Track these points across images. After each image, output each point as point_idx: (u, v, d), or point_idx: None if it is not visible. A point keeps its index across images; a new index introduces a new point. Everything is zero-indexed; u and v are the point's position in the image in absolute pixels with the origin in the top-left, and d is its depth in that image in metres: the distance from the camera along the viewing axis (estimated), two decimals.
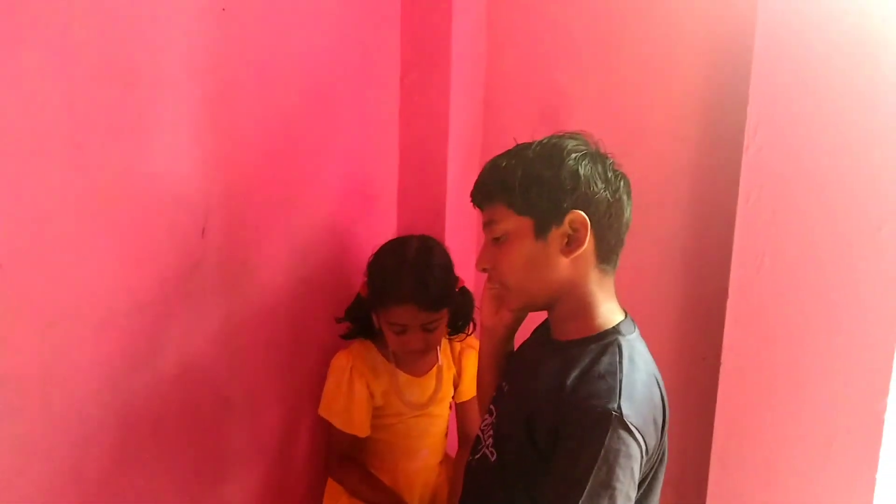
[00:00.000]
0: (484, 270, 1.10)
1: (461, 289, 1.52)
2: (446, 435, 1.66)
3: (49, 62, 0.99)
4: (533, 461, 0.98)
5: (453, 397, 1.64)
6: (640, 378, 0.98)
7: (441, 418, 1.61)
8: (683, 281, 1.59)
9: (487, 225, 1.07)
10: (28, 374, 1.03)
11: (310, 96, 1.47)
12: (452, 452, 1.70)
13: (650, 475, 1.02)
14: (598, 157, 1.04)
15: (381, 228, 1.77)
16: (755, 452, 1.39)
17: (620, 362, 0.97)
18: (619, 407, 0.92)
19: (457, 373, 1.62)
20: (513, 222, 1.03)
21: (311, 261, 1.54)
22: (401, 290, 1.40)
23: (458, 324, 1.56)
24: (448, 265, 1.48)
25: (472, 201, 1.10)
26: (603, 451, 0.89)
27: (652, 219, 1.60)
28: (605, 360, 0.98)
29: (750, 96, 1.33)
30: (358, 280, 1.55)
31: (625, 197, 1.04)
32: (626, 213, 1.05)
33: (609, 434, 0.90)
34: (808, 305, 1.33)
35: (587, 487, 0.88)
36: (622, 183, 1.05)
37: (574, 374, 0.98)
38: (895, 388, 1.25)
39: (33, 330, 1.03)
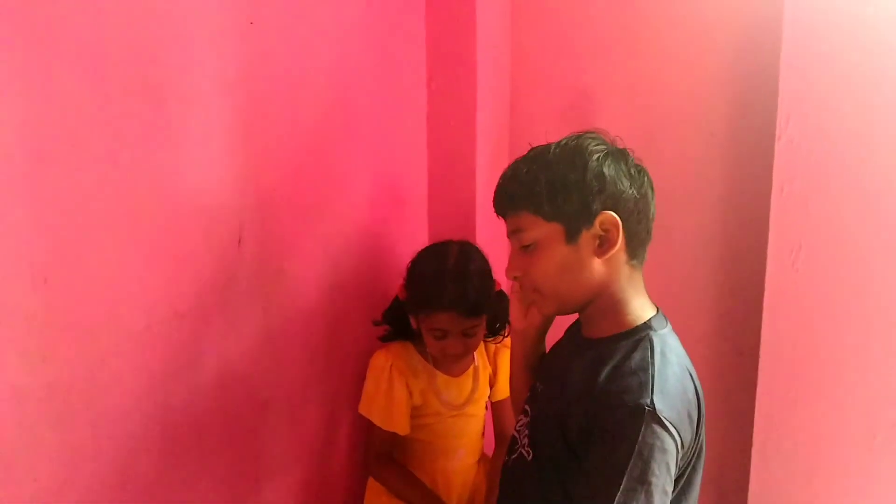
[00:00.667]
0: (515, 279, 1.10)
1: (498, 292, 1.53)
2: (483, 434, 1.67)
3: (82, 80, 1.02)
4: (567, 459, 0.98)
5: (489, 397, 1.64)
6: (672, 372, 0.97)
7: (477, 418, 1.62)
8: (718, 275, 1.57)
9: (514, 233, 1.06)
10: (74, 384, 1.06)
11: (338, 105, 1.49)
12: (489, 451, 1.70)
13: (688, 470, 1.01)
14: (619, 155, 1.03)
15: (412, 232, 1.78)
16: (796, 448, 1.38)
17: (652, 357, 0.97)
18: (652, 402, 0.91)
19: (492, 372, 1.63)
20: (542, 229, 1.02)
21: (344, 266, 1.56)
22: (442, 298, 1.41)
23: (496, 326, 1.56)
24: (486, 270, 1.49)
25: (495, 210, 1.10)
26: (637, 447, 0.89)
27: (684, 213, 1.59)
28: (637, 355, 0.98)
29: (780, 86, 1.32)
30: (391, 283, 1.57)
31: (649, 191, 1.05)
32: (652, 207, 1.05)
33: (643, 429, 0.89)
34: (847, 297, 1.31)
35: (623, 483, 0.88)
36: (645, 178, 1.05)
37: (605, 370, 0.98)
38: None
39: (78, 340, 1.06)
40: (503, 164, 1.76)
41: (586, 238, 1.01)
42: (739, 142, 1.51)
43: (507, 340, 1.59)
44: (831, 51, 1.27)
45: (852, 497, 1.32)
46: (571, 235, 1.01)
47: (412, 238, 1.78)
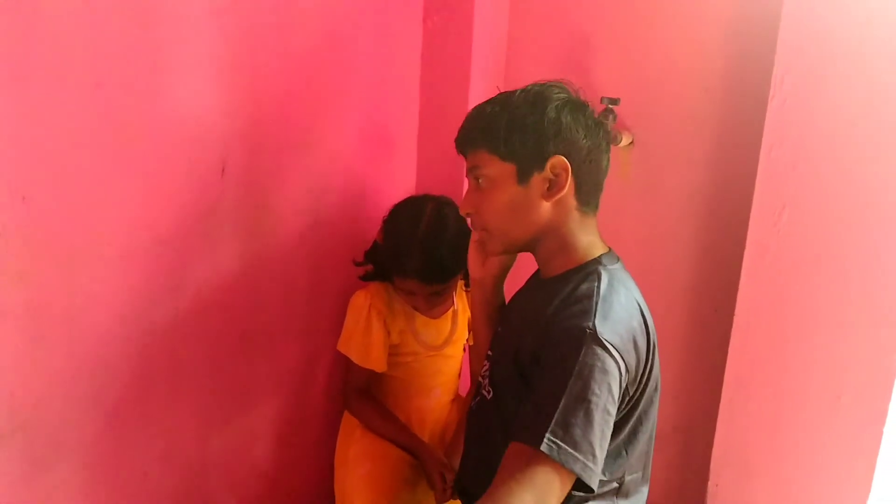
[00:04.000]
0: (467, 215, 1.13)
1: None
2: (459, 375, 1.70)
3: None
4: (525, 390, 1.00)
5: (467, 339, 1.66)
6: (617, 300, 1.00)
7: (455, 359, 1.64)
8: (701, 230, 1.58)
9: (471, 171, 1.10)
10: (52, 305, 1.07)
11: (331, 37, 1.47)
12: (464, 392, 1.74)
13: (641, 401, 1.03)
14: (579, 105, 1.07)
15: (400, 173, 1.77)
16: (763, 403, 1.40)
17: (598, 286, 1.00)
18: (594, 325, 0.94)
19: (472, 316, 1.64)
20: (496, 168, 1.06)
21: (328, 203, 1.56)
22: (407, 266, 1.43)
23: None
24: (461, 233, 1.46)
25: (456, 149, 1.13)
26: (577, 366, 0.91)
27: (672, 167, 1.59)
28: (584, 286, 1.02)
29: (778, 44, 1.30)
30: (375, 224, 1.56)
31: (603, 144, 1.08)
32: (605, 161, 1.08)
33: (584, 350, 0.92)
34: (825, 260, 1.32)
35: (563, 400, 0.90)
36: (601, 131, 1.08)
37: (555, 302, 1.02)
38: None
39: (57, 262, 1.06)
40: None
41: (537, 180, 1.04)
42: (733, 99, 1.49)
43: None
44: (834, 11, 1.25)
45: (813, 454, 1.36)
46: (523, 176, 1.04)
47: (400, 179, 1.77)
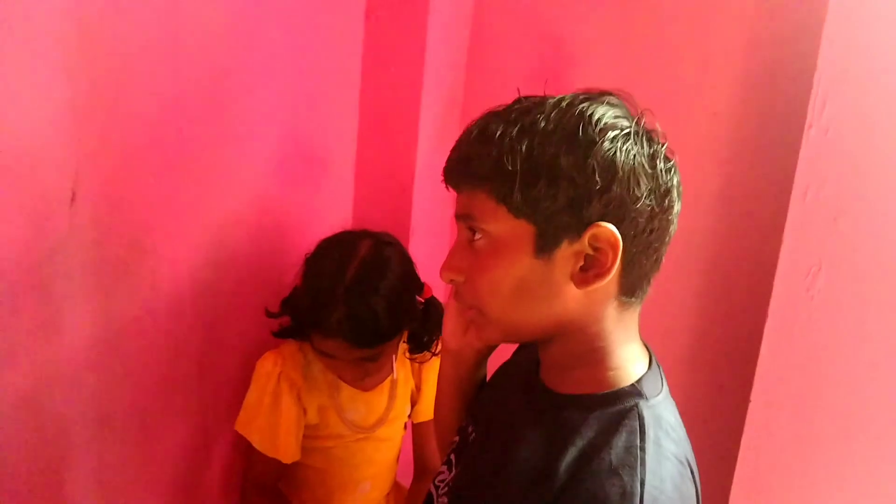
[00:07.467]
0: (451, 282, 0.77)
1: (427, 300, 1.21)
2: (397, 461, 1.37)
3: None
4: None
5: (410, 416, 1.35)
6: (669, 472, 0.66)
7: (391, 442, 1.32)
8: (711, 295, 1.27)
9: (464, 217, 0.73)
10: None
11: (240, 21, 1.14)
12: (404, 481, 1.41)
13: None
14: (645, 138, 0.70)
15: (333, 201, 1.46)
16: None
17: (643, 448, 0.65)
18: None
19: (415, 387, 1.34)
20: (503, 224, 0.69)
21: (233, 241, 1.22)
22: (328, 319, 1.11)
23: (423, 340, 1.25)
24: (404, 281, 1.18)
25: (444, 179, 0.76)
26: None
27: None
28: (620, 442, 0.66)
29: (819, 60, 1.03)
30: (296, 266, 1.23)
31: (677, 205, 0.72)
32: (673, 226, 0.72)
33: None
34: (868, 337, 1.06)
35: None
36: (675, 180, 0.71)
37: (570, 454, 0.66)
38: None
39: None
40: (454, 124, 1.44)
41: (565, 254, 0.68)
42: (753, 127, 1.19)
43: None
44: (888, 19, 0.98)
45: None
46: (545, 245, 0.68)
47: (332, 210, 1.45)
